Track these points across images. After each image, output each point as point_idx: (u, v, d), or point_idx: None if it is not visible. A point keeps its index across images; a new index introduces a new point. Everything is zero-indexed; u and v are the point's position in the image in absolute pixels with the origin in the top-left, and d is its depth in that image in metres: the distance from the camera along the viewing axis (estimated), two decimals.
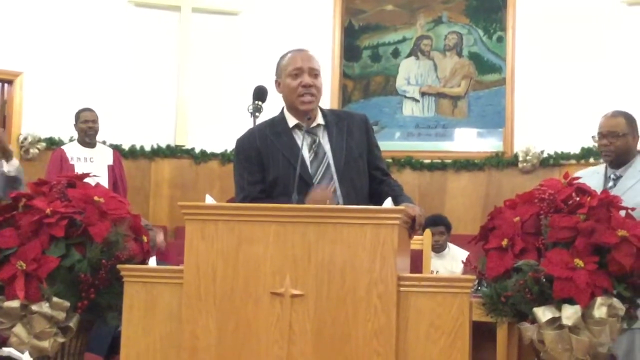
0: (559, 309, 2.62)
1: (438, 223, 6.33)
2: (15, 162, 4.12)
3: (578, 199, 2.75)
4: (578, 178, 2.89)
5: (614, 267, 2.65)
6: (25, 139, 8.10)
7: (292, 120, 3.34)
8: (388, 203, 2.86)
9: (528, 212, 2.71)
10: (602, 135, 3.91)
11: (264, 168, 3.28)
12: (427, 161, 8.40)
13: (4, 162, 4.12)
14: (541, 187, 2.78)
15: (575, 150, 7.99)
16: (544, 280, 2.62)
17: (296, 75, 3.28)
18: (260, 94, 7.14)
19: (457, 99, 8.63)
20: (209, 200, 2.90)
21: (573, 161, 7.87)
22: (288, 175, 3.20)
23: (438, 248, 6.21)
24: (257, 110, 6.89)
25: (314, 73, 3.29)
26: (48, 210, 2.92)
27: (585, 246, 2.62)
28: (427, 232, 4.62)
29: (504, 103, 8.39)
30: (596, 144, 4.02)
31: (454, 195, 8.25)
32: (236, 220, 2.76)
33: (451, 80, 8.66)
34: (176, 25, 8.62)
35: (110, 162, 6.99)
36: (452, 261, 6.21)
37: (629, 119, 3.96)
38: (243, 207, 2.85)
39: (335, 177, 3.26)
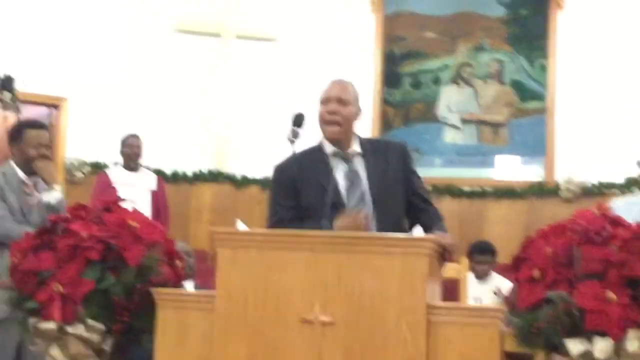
0: (591, 342, 2.59)
1: (485, 251, 6.24)
2: (56, 194, 4.11)
3: (611, 230, 2.72)
4: (612, 209, 2.86)
5: None
6: (71, 163, 8.24)
7: (329, 148, 3.40)
8: (418, 231, 2.86)
9: (560, 242, 2.69)
10: None
11: (298, 195, 3.32)
12: (467, 189, 8.36)
13: (45, 192, 4.16)
14: (574, 218, 2.76)
15: (619, 180, 7.89)
16: (576, 312, 2.60)
17: (324, 103, 3.37)
18: (298, 121, 7.22)
19: (499, 126, 8.60)
20: (241, 226, 2.93)
21: (616, 191, 7.75)
22: (321, 202, 3.23)
23: (483, 275, 6.15)
24: (295, 136, 6.95)
25: (342, 102, 3.34)
26: (85, 234, 2.96)
27: (618, 278, 2.58)
28: (464, 259, 4.59)
29: (546, 131, 8.33)
30: None
31: (494, 223, 8.19)
32: (267, 246, 2.79)
33: (492, 108, 8.63)
34: (217, 52, 8.73)
35: (154, 187, 7.06)
36: (495, 288, 6.14)
37: None
38: (274, 234, 2.88)
39: (370, 204, 3.28)
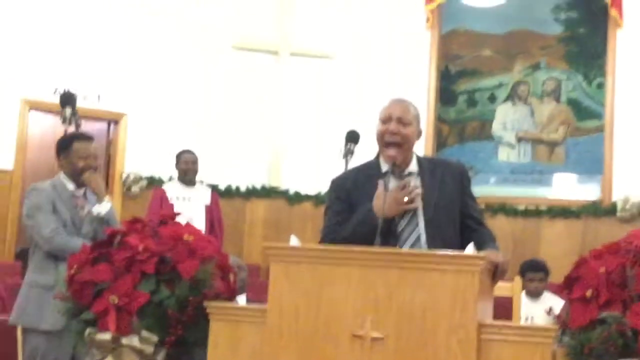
0: None
1: (538, 269, 6.19)
2: (106, 205, 4.16)
3: None
4: None
5: None
6: (128, 177, 8.38)
7: (385, 165, 3.38)
8: (470, 249, 2.85)
9: (614, 262, 2.65)
10: None
11: (351, 209, 3.33)
12: (521, 208, 8.28)
13: (94, 203, 4.22)
14: (628, 238, 2.73)
15: None
16: (629, 333, 2.56)
17: (384, 122, 3.34)
18: (352, 137, 7.27)
19: (555, 145, 8.52)
20: (294, 241, 2.95)
21: None
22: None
23: (535, 293, 6.09)
24: (349, 153, 7.00)
25: (403, 122, 3.31)
26: (140, 247, 3.01)
27: None
28: (517, 278, 4.55)
29: (603, 150, 8.23)
30: None
31: (549, 243, 8.10)
32: (319, 262, 2.81)
33: (548, 126, 8.56)
34: (273, 69, 8.82)
35: (208, 202, 7.14)
36: (547, 307, 6.06)
37: None
38: (326, 250, 2.89)
39: (422, 224, 3.27)
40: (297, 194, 8.67)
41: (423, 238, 3.25)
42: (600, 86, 8.42)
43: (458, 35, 8.96)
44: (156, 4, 8.57)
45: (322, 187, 7.87)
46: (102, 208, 4.14)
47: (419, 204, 3.26)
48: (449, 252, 2.83)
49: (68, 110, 7.13)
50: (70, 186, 4.21)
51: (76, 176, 4.20)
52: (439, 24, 8.92)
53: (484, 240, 3.30)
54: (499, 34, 8.83)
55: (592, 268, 2.71)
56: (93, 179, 4.19)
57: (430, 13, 8.83)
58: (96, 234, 4.02)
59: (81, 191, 4.23)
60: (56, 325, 3.84)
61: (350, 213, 3.32)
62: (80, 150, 4.20)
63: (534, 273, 6.13)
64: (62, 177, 4.23)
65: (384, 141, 3.32)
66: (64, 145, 4.27)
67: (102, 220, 4.09)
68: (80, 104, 7.61)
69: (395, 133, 3.29)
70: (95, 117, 8.34)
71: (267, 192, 8.68)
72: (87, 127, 7.80)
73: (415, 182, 3.32)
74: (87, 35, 8.28)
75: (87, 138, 4.36)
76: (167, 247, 3.02)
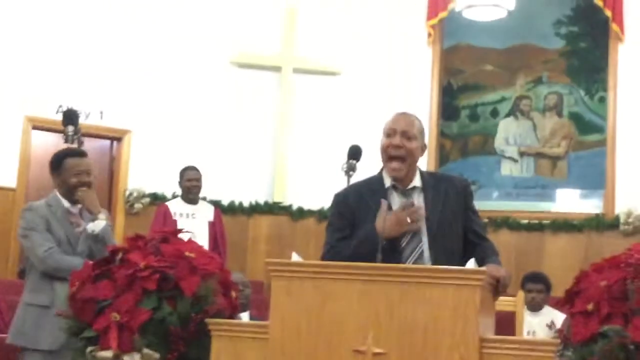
0: None
1: (537, 280, 6.18)
2: (100, 222, 4.09)
3: None
4: None
5: None
6: (131, 194, 8.39)
7: (388, 181, 3.37)
8: (471, 264, 2.85)
9: (614, 276, 2.66)
10: None
11: (354, 225, 3.32)
12: (524, 222, 8.28)
13: (89, 221, 4.17)
14: (629, 251, 2.73)
15: None
16: (631, 346, 2.56)
17: (389, 135, 3.33)
18: (354, 153, 7.28)
19: (557, 159, 8.52)
20: (296, 257, 2.96)
21: None
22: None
23: (534, 306, 6.07)
24: (351, 169, 7.01)
25: (407, 136, 3.30)
26: (142, 264, 3.01)
27: None
28: (520, 293, 4.55)
29: (606, 164, 8.23)
30: None
31: (552, 257, 8.08)
32: (321, 277, 2.81)
33: (551, 141, 8.57)
34: (276, 85, 8.85)
35: (211, 219, 7.16)
36: (548, 321, 6.06)
37: None
38: (328, 265, 2.90)
39: (425, 239, 3.27)
40: (300, 210, 8.67)
41: (426, 254, 3.25)
42: (602, 100, 8.42)
43: (460, 51, 8.98)
44: (159, 21, 8.60)
45: (325, 202, 7.86)
46: (97, 226, 4.08)
47: (422, 224, 3.25)
48: (450, 267, 2.84)
49: (70, 128, 7.14)
50: (66, 203, 4.16)
51: (70, 193, 4.15)
52: (440, 39, 8.94)
53: (486, 254, 3.29)
54: (500, 48, 8.85)
55: (593, 282, 2.71)
56: (87, 196, 4.13)
57: (431, 29, 8.85)
58: (92, 252, 3.99)
59: (77, 208, 4.19)
60: (54, 344, 3.83)
61: (352, 229, 3.31)
62: (73, 167, 4.15)
63: (533, 284, 6.13)
64: (57, 194, 4.19)
65: (388, 155, 3.31)
66: (56, 162, 4.20)
67: (97, 238, 4.05)
68: (82, 121, 7.63)
69: (400, 147, 3.28)
70: (98, 134, 8.35)
71: (270, 208, 8.68)
72: (90, 144, 7.81)
73: (418, 201, 3.31)
74: (89, 52, 8.30)
75: (79, 154, 4.31)
76: (169, 264, 3.02)
